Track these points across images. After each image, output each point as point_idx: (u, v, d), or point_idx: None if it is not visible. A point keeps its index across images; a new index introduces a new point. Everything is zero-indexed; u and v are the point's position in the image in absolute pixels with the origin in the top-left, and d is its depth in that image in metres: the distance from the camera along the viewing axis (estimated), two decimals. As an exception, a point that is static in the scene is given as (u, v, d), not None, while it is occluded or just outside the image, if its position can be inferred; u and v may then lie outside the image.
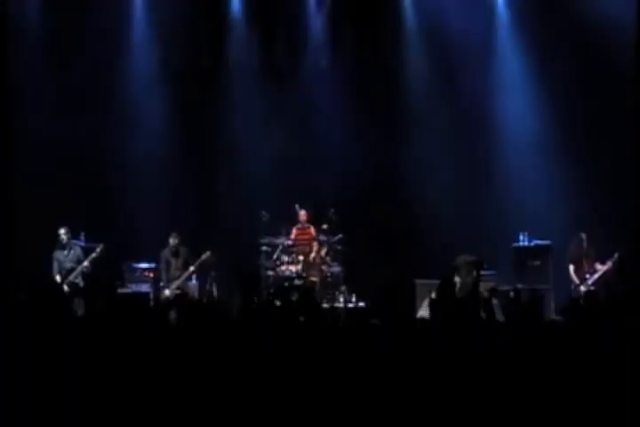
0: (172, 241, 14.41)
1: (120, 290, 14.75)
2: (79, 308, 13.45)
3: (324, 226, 15.17)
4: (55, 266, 14.10)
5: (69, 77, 15.47)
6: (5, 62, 14.90)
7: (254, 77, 16.31)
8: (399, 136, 16.32)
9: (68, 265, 14.07)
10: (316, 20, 16.36)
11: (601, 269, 14.00)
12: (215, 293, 14.35)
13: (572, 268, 14.15)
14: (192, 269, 14.37)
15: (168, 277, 14.46)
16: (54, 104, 15.48)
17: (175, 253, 14.42)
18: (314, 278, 14.96)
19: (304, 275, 14.95)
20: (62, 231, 14.08)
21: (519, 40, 16.00)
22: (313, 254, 15.15)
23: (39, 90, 15.47)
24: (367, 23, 16.15)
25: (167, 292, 14.26)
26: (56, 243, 14.19)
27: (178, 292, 14.06)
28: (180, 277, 14.39)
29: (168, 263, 14.48)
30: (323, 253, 15.20)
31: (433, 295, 9.01)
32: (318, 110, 16.22)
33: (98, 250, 14.01)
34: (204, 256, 14.29)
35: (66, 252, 14.11)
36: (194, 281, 14.74)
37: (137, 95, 16.05)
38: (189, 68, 16.21)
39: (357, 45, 16.30)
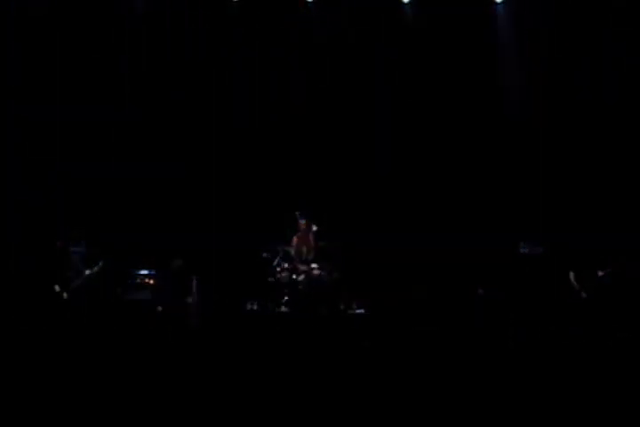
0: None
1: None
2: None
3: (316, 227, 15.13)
4: (55, 276, 14.10)
5: (68, 76, 15.56)
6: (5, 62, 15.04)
7: (250, 79, 16.34)
8: (399, 139, 16.30)
9: (69, 274, 14.09)
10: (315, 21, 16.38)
11: (602, 275, 14.00)
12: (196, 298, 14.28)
13: (572, 274, 14.15)
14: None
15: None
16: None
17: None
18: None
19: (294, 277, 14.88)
20: (57, 244, 14.09)
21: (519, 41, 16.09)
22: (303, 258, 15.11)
23: (38, 88, 15.52)
24: (365, 24, 16.16)
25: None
26: (54, 253, 14.21)
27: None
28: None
29: None
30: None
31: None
32: (317, 114, 16.25)
33: (96, 268, 14.05)
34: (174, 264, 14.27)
35: (65, 261, 14.12)
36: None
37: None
38: (187, 67, 16.25)
39: (357, 46, 16.28)
